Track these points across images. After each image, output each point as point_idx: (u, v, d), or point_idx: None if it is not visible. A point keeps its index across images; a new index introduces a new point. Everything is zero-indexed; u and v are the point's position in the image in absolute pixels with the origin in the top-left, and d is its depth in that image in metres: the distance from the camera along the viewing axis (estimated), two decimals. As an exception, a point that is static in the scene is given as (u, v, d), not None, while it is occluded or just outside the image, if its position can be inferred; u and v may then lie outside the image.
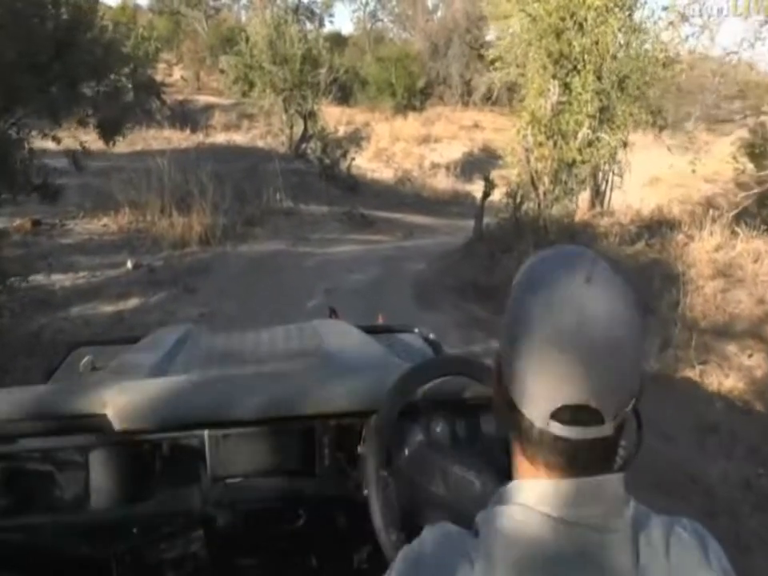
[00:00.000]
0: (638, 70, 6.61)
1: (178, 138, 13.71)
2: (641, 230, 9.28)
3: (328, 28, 28.13)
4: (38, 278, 6.35)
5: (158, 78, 25.29)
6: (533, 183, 7.08)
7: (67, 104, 6.25)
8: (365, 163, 15.92)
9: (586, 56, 6.46)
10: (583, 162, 6.79)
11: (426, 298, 6.60)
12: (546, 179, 6.85)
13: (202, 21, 30.75)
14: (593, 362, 0.66)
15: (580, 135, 6.67)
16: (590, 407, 0.67)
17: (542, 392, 0.68)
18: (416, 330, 2.38)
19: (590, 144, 6.81)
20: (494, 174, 19.84)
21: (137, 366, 1.74)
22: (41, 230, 7.86)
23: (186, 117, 17.65)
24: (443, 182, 15.89)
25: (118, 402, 1.33)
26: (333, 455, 1.39)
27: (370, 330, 2.18)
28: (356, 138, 16.90)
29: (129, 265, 7.07)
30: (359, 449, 1.30)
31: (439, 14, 33.54)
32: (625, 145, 7.00)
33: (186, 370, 1.69)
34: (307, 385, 1.43)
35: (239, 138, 17.78)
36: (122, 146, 13.33)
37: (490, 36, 31.48)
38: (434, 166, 19.48)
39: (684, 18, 6.10)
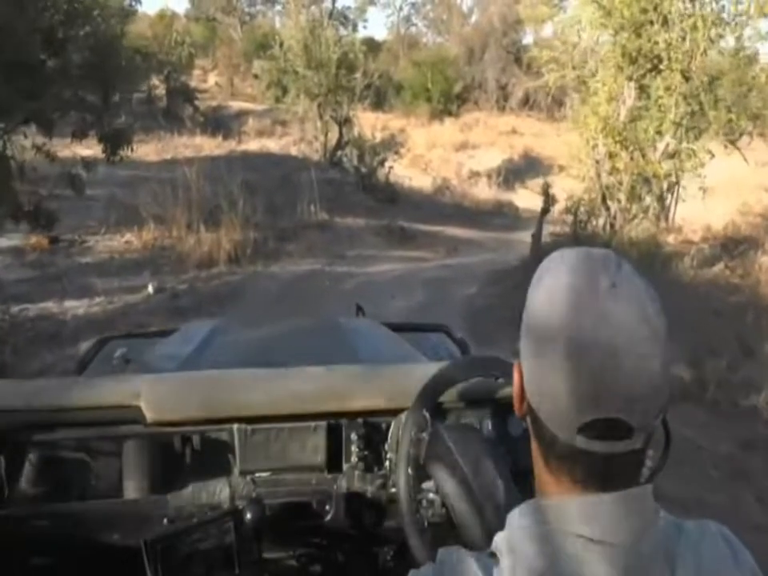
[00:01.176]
0: (736, 68, 5.63)
1: (210, 146, 12.99)
2: (713, 248, 8.24)
3: (362, 33, 27.62)
4: (49, 306, 5.61)
5: (193, 84, 24.99)
6: (603, 199, 6.13)
7: (64, 111, 5.47)
8: (401, 170, 15.03)
9: (672, 53, 5.50)
10: (665, 177, 5.82)
11: (481, 331, 5.69)
12: (620, 195, 5.89)
13: (237, 27, 30.38)
14: (621, 374, 0.62)
15: (661, 145, 5.71)
16: (619, 420, 0.63)
17: (569, 406, 0.63)
18: (444, 329, 2.33)
19: (671, 155, 5.84)
20: (535, 184, 18.90)
21: (168, 359, 1.78)
22: (58, 248, 7.14)
23: (219, 123, 17.00)
24: (484, 191, 14.94)
25: (150, 394, 1.34)
26: (359, 452, 1.38)
27: (398, 328, 2.16)
28: (393, 145, 16.04)
29: (150, 289, 6.30)
30: (386, 446, 1.36)
31: (474, 18, 32.72)
32: (712, 156, 6.01)
33: (216, 364, 1.68)
34: (334, 382, 1.44)
35: (272, 144, 17.07)
36: (152, 154, 12.71)
37: (527, 39, 30.62)
38: (473, 173, 18.56)
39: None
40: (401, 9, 34.47)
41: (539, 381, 0.66)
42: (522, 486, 0.84)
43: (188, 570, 1.34)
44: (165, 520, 1.36)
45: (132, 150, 6.87)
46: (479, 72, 27.39)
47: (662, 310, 0.66)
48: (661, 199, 6.44)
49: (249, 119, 19.34)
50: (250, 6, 33.32)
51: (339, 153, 13.73)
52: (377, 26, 50.23)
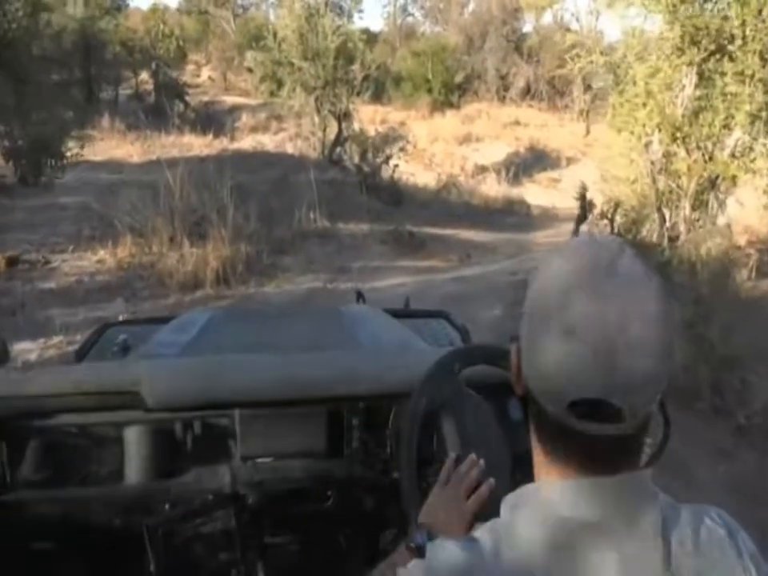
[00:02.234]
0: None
1: (199, 144, 11.89)
2: (762, 253, 7.18)
3: (357, 24, 26.41)
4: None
5: (186, 79, 23.85)
6: (660, 206, 5.09)
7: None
8: (403, 166, 13.95)
9: (747, 31, 4.45)
10: (734, 177, 4.76)
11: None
12: (682, 202, 4.85)
13: (230, 20, 29.20)
14: (613, 357, 0.61)
15: (730, 141, 4.66)
16: (608, 402, 0.62)
17: (561, 384, 0.64)
18: (445, 315, 2.27)
19: (741, 154, 4.80)
20: (543, 177, 17.81)
21: (168, 346, 1.75)
22: (17, 271, 6.06)
23: (211, 119, 15.87)
24: (493, 188, 13.85)
25: (151, 379, 1.32)
26: (360, 437, 1.37)
27: (398, 315, 2.16)
28: (394, 139, 14.95)
29: (121, 321, 5.24)
30: (387, 431, 1.35)
31: (471, 6, 31.52)
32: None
33: (217, 351, 1.67)
34: (335, 368, 1.42)
35: (267, 140, 15.96)
36: (136, 154, 11.61)
37: (526, 28, 29.37)
38: (478, 168, 17.48)
39: None
40: (397, -2, 33.26)
41: (533, 358, 0.66)
42: (521, 472, 0.83)
43: (189, 555, 1.38)
44: (166, 505, 1.33)
45: (63, 165, 5.33)
46: (479, 61, 26.25)
47: (664, 300, 0.65)
48: (723, 205, 5.40)
49: (242, 114, 18.21)
50: (243, -1, 32.16)
51: (338, 149, 12.64)
52: (372, 16, 48.82)
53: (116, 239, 6.74)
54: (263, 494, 1.30)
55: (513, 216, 12.45)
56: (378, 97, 22.16)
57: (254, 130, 17.27)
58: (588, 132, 20.60)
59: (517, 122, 22.04)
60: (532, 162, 17.69)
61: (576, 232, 6.36)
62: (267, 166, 10.61)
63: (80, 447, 1.35)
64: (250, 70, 17.20)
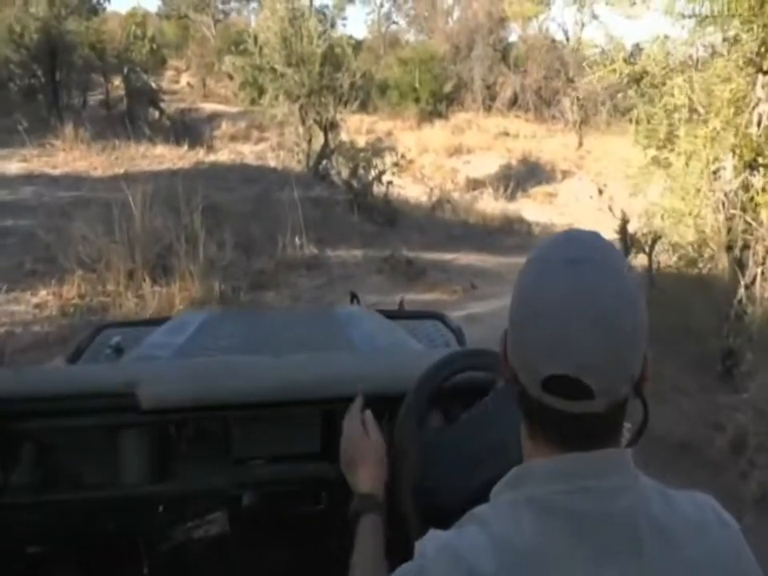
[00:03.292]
0: None
1: (173, 156, 10.66)
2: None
3: (341, 32, 25.34)
4: None
5: (164, 85, 22.53)
6: (730, 246, 4.05)
7: None
8: (390, 178, 12.83)
9: None
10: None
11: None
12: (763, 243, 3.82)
13: (211, 26, 28.03)
14: (581, 336, 0.65)
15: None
16: (577, 380, 0.65)
17: (533, 361, 0.68)
18: (440, 317, 2.26)
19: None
20: (538, 192, 16.83)
21: (163, 348, 1.72)
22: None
23: (188, 128, 14.62)
24: (490, 204, 12.79)
25: (145, 381, 1.29)
26: None
27: (393, 316, 2.14)
28: (382, 150, 13.84)
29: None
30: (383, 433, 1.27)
31: (455, 14, 30.64)
32: None
33: (211, 353, 1.67)
34: (329, 369, 1.39)
35: (247, 150, 14.80)
36: (101, 167, 10.36)
37: (512, 37, 28.54)
38: (470, 181, 16.45)
39: None
40: (381, 6, 32.29)
41: (513, 338, 0.71)
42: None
43: (184, 557, 1.35)
44: (160, 507, 1.32)
45: None
46: (466, 70, 25.37)
47: (635, 289, 0.68)
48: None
49: (222, 123, 17.00)
50: (224, 4, 30.98)
51: (325, 162, 11.51)
52: (356, 24, 47.84)
53: (63, 275, 5.54)
54: (257, 496, 1.28)
55: (513, 236, 11.39)
56: (363, 105, 21.12)
57: (233, 139, 16.09)
58: (581, 144, 19.76)
59: (505, 133, 21.11)
60: (525, 175, 16.70)
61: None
62: (246, 182, 9.43)
63: (74, 449, 1.30)
64: (230, 77, 16.05)
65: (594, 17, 26.41)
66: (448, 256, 8.98)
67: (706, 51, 4.92)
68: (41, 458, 1.28)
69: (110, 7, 26.49)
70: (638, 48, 9.43)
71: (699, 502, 0.72)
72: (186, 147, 11.20)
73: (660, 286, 5.30)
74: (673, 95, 6.02)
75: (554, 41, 27.26)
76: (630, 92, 7.38)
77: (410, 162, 12.56)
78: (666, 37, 7.12)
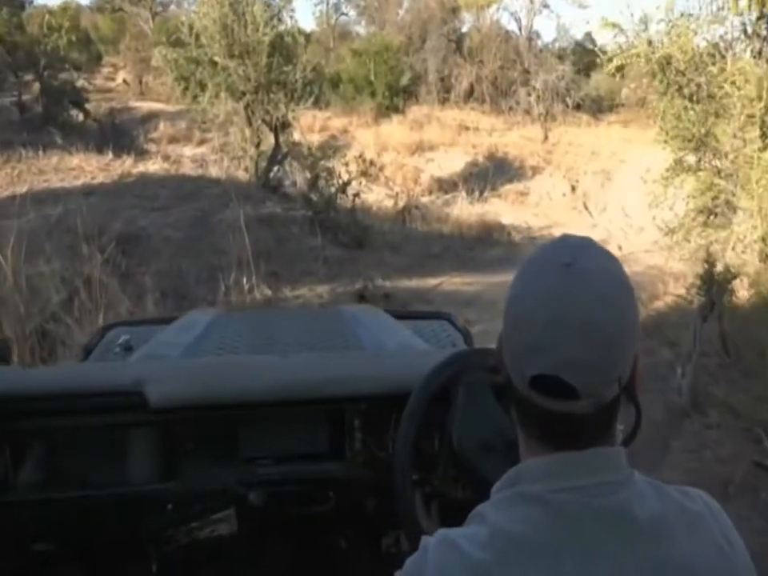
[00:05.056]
0: None
1: (93, 168, 8.68)
2: None
3: (289, 23, 23.31)
4: None
5: (99, 82, 20.24)
6: None
7: None
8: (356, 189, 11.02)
9: None
10: None
11: None
12: None
13: (149, 19, 25.67)
14: (565, 337, 0.65)
15: None
16: (562, 381, 0.65)
17: (521, 360, 0.69)
18: (447, 317, 2.19)
19: None
20: (509, 190, 15.33)
21: (171, 346, 1.70)
22: None
23: (118, 131, 12.57)
24: (464, 210, 11.19)
25: (153, 380, 1.28)
26: (362, 439, 1.32)
27: (399, 316, 2.11)
28: (338, 150, 12.02)
29: None
30: (389, 433, 1.27)
31: (405, 4, 28.99)
32: None
33: (219, 352, 1.65)
34: (337, 369, 1.38)
35: (189, 152, 12.87)
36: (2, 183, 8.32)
37: (465, 27, 27.06)
38: (435, 180, 14.86)
39: None
40: (330, -4, 30.32)
41: (504, 338, 0.71)
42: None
43: (191, 556, 1.32)
44: (168, 506, 1.28)
45: None
46: (419, 62, 23.81)
47: (623, 293, 0.68)
48: None
49: (160, 123, 14.96)
50: (162, -5, 28.56)
51: (276, 169, 9.72)
52: (303, 15, 45.49)
53: None
54: (265, 495, 1.24)
55: (494, 246, 9.83)
56: (315, 101, 19.29)
57: (173, 140, 14.10)
58: (546, 137, 18.42)
59: (465, 127, 19.60)
60: (494, 172, 15.17)
61: (697, 337, 3.64)
62: (182, 199, 7.55)
63: (82, 448, 1.26)
64: (170, 72, 14.01)
65: (545, 5, 25.25)
66: (430, 281, 7.35)
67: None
68: (49, 456, 1.25)
69: (40, 1, 24.00)
70: (589, 37, 8.19)
71: (692, 495, 0.72)
72: (110, 155, 9.19)
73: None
74: (721, 86, 4.53)
75: (507, 32, 25.98)
76: (655, 82, 5.86)
77: (380, 169, 10.90)
78: (690, 15, 5.68)
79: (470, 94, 23.96)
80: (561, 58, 23.10)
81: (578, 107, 20.99)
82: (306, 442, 1.31)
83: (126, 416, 1.27)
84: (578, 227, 12.31)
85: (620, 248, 10.99)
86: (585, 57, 23.67)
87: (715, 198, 5.78)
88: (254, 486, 1.26)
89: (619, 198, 12.91)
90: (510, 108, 22.52)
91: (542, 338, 0.65)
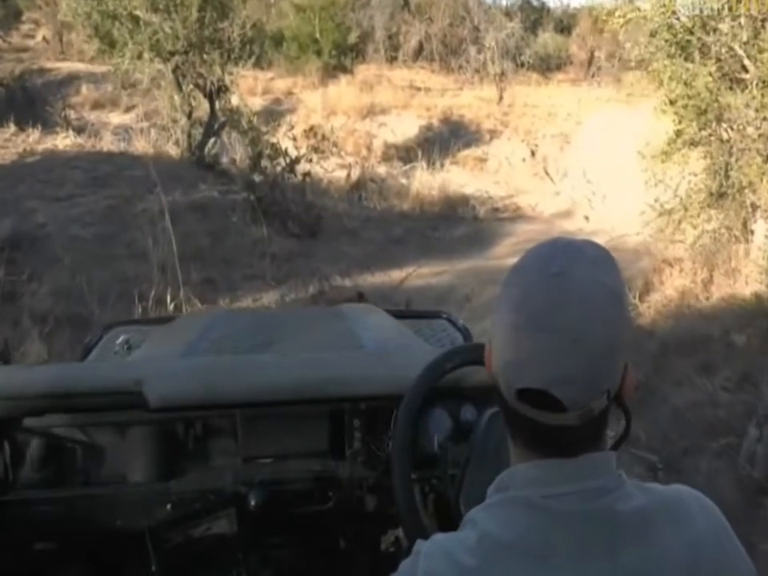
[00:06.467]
0: None
1: (-11, 145, 7.12)
2: None
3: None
4: None
5: (16, 40, 18.09)
6: None
7: None
8: (292, 150, 9.62)
9: None
10: None
11: None
12: None
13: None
14: (553, 351, 0.63)
15: None
16: (549, 394, 0.64)
17: (509, 373, 0.67)
18: (445, 316, 2.15)
19: None
20: (467, 156, 14.22)
21: (171, 346, 1.68)
22: None
23: (30, 97, 10.80)
24: (425, 180, 10.03)
25: (153, 379, 1.26)
26: (362, 438, 1.31)
27: (399, 315, 2.08)
28: (281, 117, 10.54)
29: None
30: (388, 432, 1.25)
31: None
32: None
33: (219, 351, 1.62)
34: (336, 368, 1.36)
35: (116, 119, 11.25)
36: None
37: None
38: (389, 146, 13.62)
39: None
40: (268, -53, 27.92)
41: (493, 348, 0.70)
42: None
43: (191, 556, 1.30)
44: (168, 506, 1.25)
45: None
46: (366, 19, 22.15)
47: (616, 305, 0.65)
48: None
49: (81, 86, 13.11)
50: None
51: (213, 142, 8.33)
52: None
53: None
54: (264, 495, 1.21)
55: (460, 224, 8.77)
56: (257, 61, 17.52)
57: (96, 106, 12.35)
58: (501, 98, 17.31)
59: (416, 87, 18.28)
60: (449, 137, 14.01)
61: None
62: (96, 183, 6.15)
63: (82, 447, 1.25)
64: (81, 29, 12.13)
65: (494, -44, 23.78)
66: (395, 273, 6.24)
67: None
68: (49, 454, 1.24)
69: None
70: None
71: (683, 493, 0.71)
72: (12, 128, 7.61)
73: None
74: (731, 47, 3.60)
75: (456, -15, 24.41)
76: (655, 41, 4.83)
77: (334, 144, 9.53)
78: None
79: (418, 52, 22.56)
80: (509, 15, 21.99)
81: (523, 66, 20.00)
82: (305, 441, 1.29)
83: (126, 415, 1.26)
84: (541, 195, 11.42)
85: (587, 218, 10.14)
86: (532, 14, 22.73)
87: (726, 176, 4.85)
88: (254, 485, 1.23)
89: (579, 162, 12.05)
90: (461, 67, 21.27)
91: (529, 352, 0.64)
